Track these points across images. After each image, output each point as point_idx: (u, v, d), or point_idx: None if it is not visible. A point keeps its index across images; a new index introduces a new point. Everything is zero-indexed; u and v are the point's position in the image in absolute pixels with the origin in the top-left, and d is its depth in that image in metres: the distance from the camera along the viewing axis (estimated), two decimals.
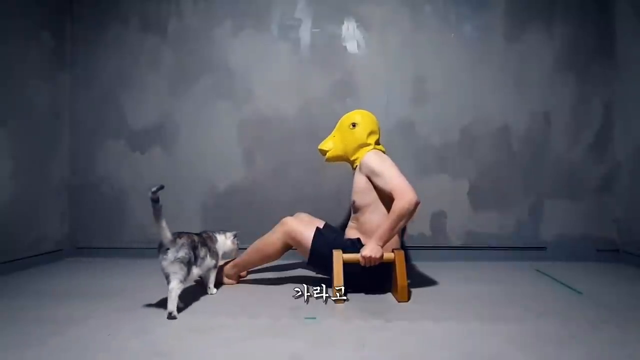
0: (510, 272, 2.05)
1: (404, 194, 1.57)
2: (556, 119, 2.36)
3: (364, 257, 1.57)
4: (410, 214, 1.57)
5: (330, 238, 1.73)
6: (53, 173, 2.44)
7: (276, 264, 2.13)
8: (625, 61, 2.28)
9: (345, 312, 1.48)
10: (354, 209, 1.78)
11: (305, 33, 2.46)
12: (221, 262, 1.80)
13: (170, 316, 1.38)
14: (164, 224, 1.46)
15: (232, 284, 1.85)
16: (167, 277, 1.46)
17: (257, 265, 1.87)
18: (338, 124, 1.88)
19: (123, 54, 2.54)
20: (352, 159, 1.83)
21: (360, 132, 1.79)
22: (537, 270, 2.08)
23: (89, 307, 1.52)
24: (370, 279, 1.68)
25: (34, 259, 2.25)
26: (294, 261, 2.26)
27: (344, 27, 2.45)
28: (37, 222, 2.32)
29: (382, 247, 1.59)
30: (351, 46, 2.45)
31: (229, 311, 1.47)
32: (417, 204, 1.57)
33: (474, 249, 2.36)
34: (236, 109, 2.48)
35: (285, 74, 2.46)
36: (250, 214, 2.42)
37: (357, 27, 2.44)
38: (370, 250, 1.57)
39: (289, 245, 1.78)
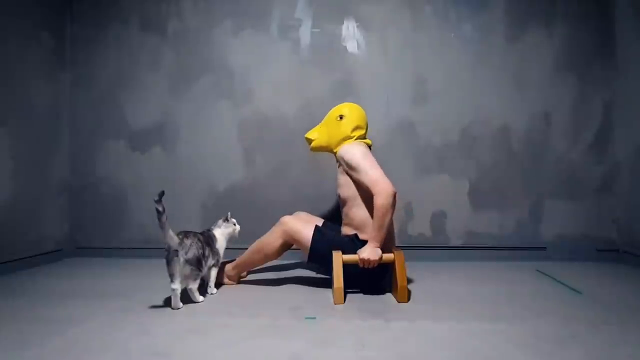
0: (510, 272, 2.05)
1: (380, 189, 1.57)
2: (556, 119, 2.36)
3: (362, 260, 1.58)
4: (391, 206, 1.58)
5: (330, 236, 1.73)
6: (53, 173, 2.44)
7: (276, 264, 2.14)
8: (625, 61, 2.28)
9: (345, 312, 1.48)
10: (341, 203, 1.79)
11: (305, 33, 2.46)
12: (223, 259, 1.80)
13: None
14: (170, 233, 1.48)
15: (232, 285, 1.86)
16: (172, 277, 1.48)
17: (257, 265, 1.87)
18: (327, 116, 1.89)
19: (123, 54, 2.54)
20: (334, 150, 1.84)
21: (346, 126, 1.80)
22: (537, 270, 2.08)
23: (89, 307, 1.52)
24: (369, 277, 1.68)
25: (34, 259, 2.25)
26: (294, 261, 2.26)
27: (344, 27, 2.45)
28: (37, 222, 2.32)
29: (379, 247, 1.59)
30: (351, 46, 2.45)
31: (229, 311, 1.47)
32: (394, 194, 1.58)
33: (474, 249, 2.36)
34: (236, 109, 2.48)
35: (285, 74, 2.46)
36: (250, 214, 2.41)
37: (357, 27, 2.44)
38: (369, 253, 1.58)
39: (289, 244, 1.78)
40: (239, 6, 2.49)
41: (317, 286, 1.80)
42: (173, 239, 1.49)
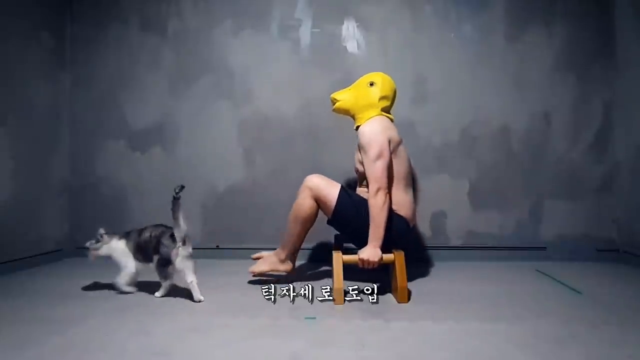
0: (510, 272, 2.05)
1: (375, 189, 1.62)
2: (556, 119, 2.36)
3: (361, 260, 1.59)
4: (384, 204, 1.61)
5: (356, 198, 1.74)
6: (53, 173, 2.44)
7: None
8: (625, 61, 2.28)
9: (345, 312, 1.48)
10: (360, 176, 1.81)
11: (305, 33, 2.46)
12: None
13: (200, 300, 1.57)
14: (182, 219, 1.58)
15: (288, 271, 1.84)
16: (187, 271, 1.57)
17: (302, 236, 1.81)
18: (357, 80, 1.89)
19: (123, 54, 2.54)
20: (357, 116, 1.84)
21: (375, 93, 1.81)
22: (537, 270, 2.08)
23: (89, 307, 1.52)
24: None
25: (34, 259, 2.25)
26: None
27: (344, 27, 2.45)
28: (37, 222, 2.32)
29: (379, 247, 1.60)
30: (351, 46, 2.44)
31: (229, 311, 1.47)
32: (386, 195, 1.62)
33: (474, 249, 2.36)
34: (236, 109, 2.48)
35: (285, 74, 2.45)
36: (250, 214, 2.42)
37: (357, 27, 2.44)
38: (368, 254, 1.58)
39: (318, 204, 1.76)
40: (239, 6, 2.49)
41: (317, 286, 1.80)
42: (184, 225, 1.57)
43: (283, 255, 1.83)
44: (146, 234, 1.67)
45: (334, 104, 1.90)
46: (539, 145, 2.36)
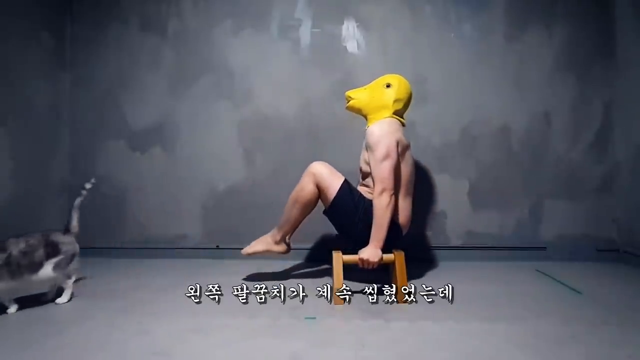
0: (510, 272, 2.05)
1: (381, 189, 1.62)
2: (556, 119, 2.36)
3: (362, 260, 1.59)
4: (388, 205, 1.61)
5: (357, 194, 1.73)
6: (53, 173, 2.44)
7: (277, 263, 2.13)
8: (625, 61, 2.28)
9: (345, 312, 1.48)
10: (363, 175, 1.81)
11: (305, 33, 2.46)
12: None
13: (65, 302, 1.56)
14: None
15: (283, 252, 1.83)
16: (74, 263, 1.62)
17: (299, 220, 1.80)
18: (374, 81, 1.89)
19: (123, 54, 2.54)
20: (369, 116, 1.84)
21: (390, 95, 1.80)
22: (537, 270, 2.08)
23: (89, 307, 1.52)
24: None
25: None
26: (295, 262, 2.26)
27: (344, 27, 2.45)
28: (37, 222, 2.31)
29: (379, 247, 1.60)
30: (351, 46, 2.44)
31: (229, 311, 1.47)
32: (390, 196, 1.62)
33: (474, 249, 2.36)
34: (236, 109, 2.48)
35: (285, 74, 2.45)
36: (250, 214, 2.41)
37: (357, 27, 2.44)
38: (369, 254, 1.59)
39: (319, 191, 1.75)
40: (239, 6, 2.49)
41: (317, 285, 1.80)
42: (76, 223, 1.69)
43: (278, 237, 1.82)
44: (19, 246, 1.45)
45: (348, 101, 1.90)
46: (539, 145, 2.36)
